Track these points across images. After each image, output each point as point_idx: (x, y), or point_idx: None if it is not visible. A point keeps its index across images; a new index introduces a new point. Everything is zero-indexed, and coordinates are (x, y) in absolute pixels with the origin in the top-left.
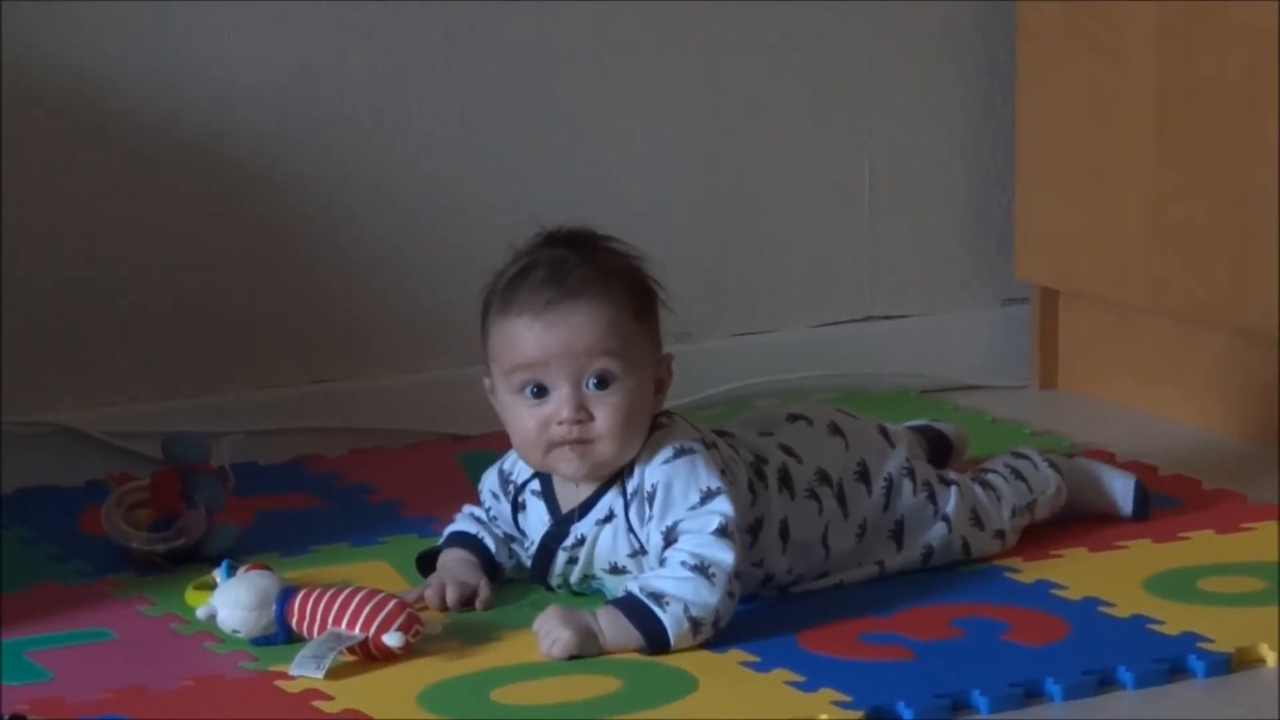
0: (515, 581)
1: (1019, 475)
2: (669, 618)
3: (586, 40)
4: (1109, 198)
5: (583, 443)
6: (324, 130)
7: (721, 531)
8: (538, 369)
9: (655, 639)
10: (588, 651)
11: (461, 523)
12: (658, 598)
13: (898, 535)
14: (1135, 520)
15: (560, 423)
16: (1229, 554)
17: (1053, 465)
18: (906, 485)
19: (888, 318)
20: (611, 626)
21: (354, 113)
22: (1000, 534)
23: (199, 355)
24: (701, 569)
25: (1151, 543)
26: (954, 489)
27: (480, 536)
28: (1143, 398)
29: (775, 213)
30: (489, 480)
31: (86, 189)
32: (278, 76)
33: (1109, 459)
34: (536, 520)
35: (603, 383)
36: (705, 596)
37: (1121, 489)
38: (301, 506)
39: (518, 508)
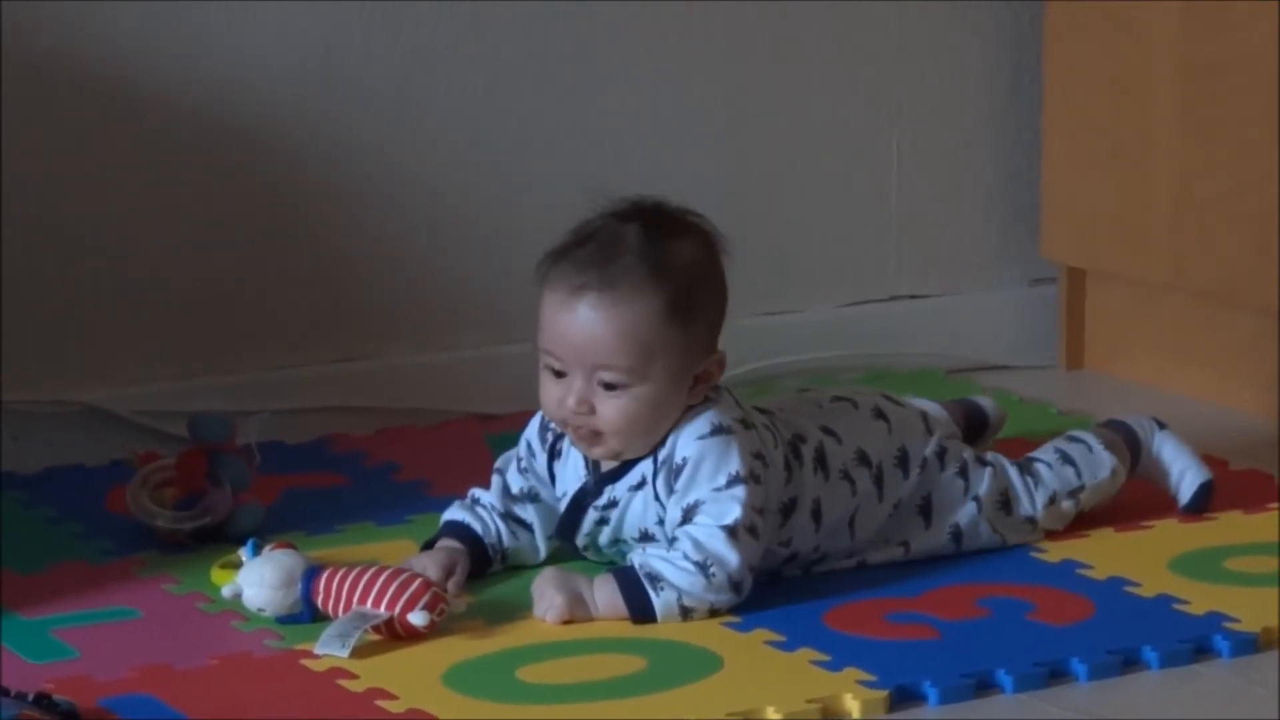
0: (537, 562)
1: (1068, 460)
2: (660, 602)
3: (613, 19)
4: (1135, 177)
5: (591, 431)
6: (348, 107)
7: (731, 530)
8: (556, 356)
9: (643, 616)
10: (578, 617)
11: (453, 512)
12: (654, 579)
13: (926, 511)
14: (1185, 514)
15: (567, 408)
16: (1255, 534)
17: (1127, 434)
18: (936, 464)
19: (914, 297)
20: (603, 596)
21: (378, 89)
22: (1030, 520)
23: (225, 334)
24: (703, 566)
25: (1177, 522)
26: (988, 470)
27: (468, 524)
28: (1170, 377)
29: (801, 191)
30: (529, 430)
31: (111, 168)
32: (302, 53)
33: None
34: (573, 471)
35: (610, 386)
36: (700, 591)
37: (1188, 484)
38: (327, 485)
39: (554, 455)
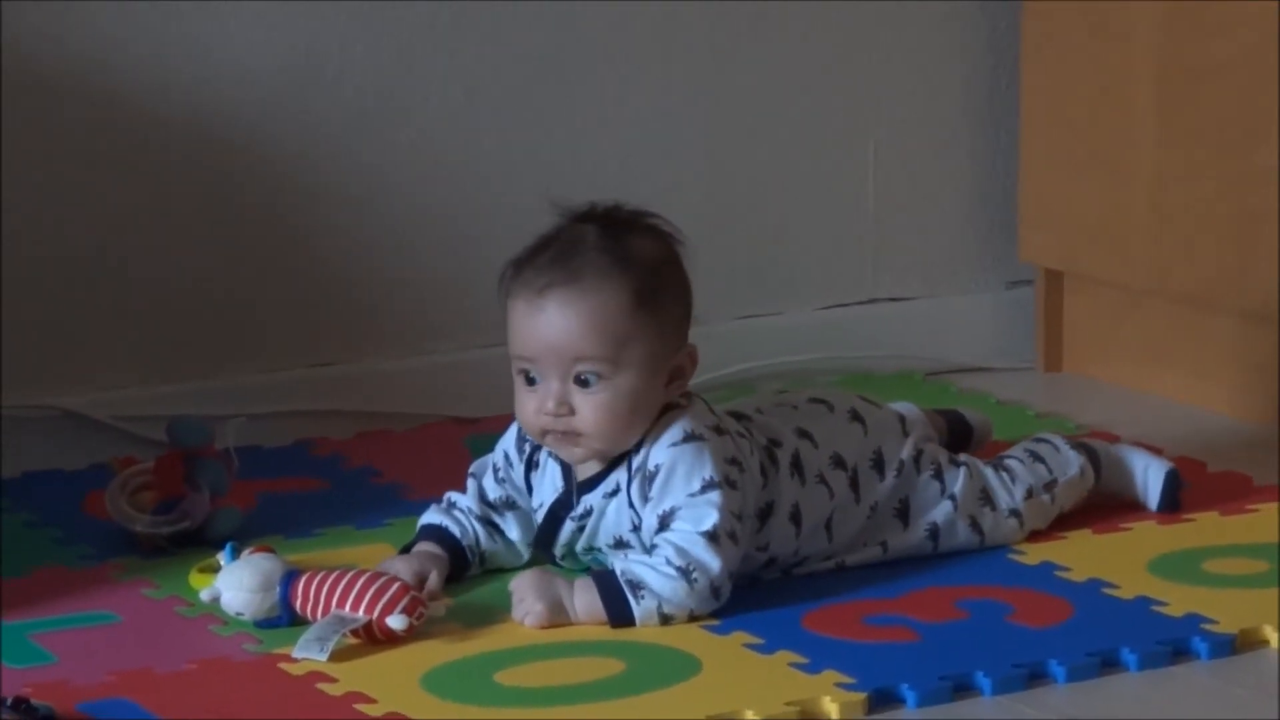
0: (518, 564)
1: (1037, 458)
2: (640, 610)
3: (592, 24)
4: (1113, 180)
5: (570, 433)
6: (328, 113)
7: (712, 535)
8: (527, 360)
9: (622, 623)
10: (558, 622)
11: (429, 516)
12: (635, 587)
13: (903, 514)
14: (1161, 512)
15: (546, 413)
16: (1233, 535)
17: (1087, 449)
18: (913, 467)
19: (892, 300)
20: (583, 602)
21: (358, 95)
22: (1015, 513)
23: (204, 339)
24: (685, 571)
25: (1156, 524)
26: (963, 470)
27: (445, 526)
28: (1147, 380)
29: (780, 195)
30: (506, 440)
31: (89, 172)
32: (281, 58)
33: (1113, 441)
34: (550, 482)
35: (585, 382)
36: (682, 598)
37: (1153, 479)
38: (306, 489)
39: (532, 465)
